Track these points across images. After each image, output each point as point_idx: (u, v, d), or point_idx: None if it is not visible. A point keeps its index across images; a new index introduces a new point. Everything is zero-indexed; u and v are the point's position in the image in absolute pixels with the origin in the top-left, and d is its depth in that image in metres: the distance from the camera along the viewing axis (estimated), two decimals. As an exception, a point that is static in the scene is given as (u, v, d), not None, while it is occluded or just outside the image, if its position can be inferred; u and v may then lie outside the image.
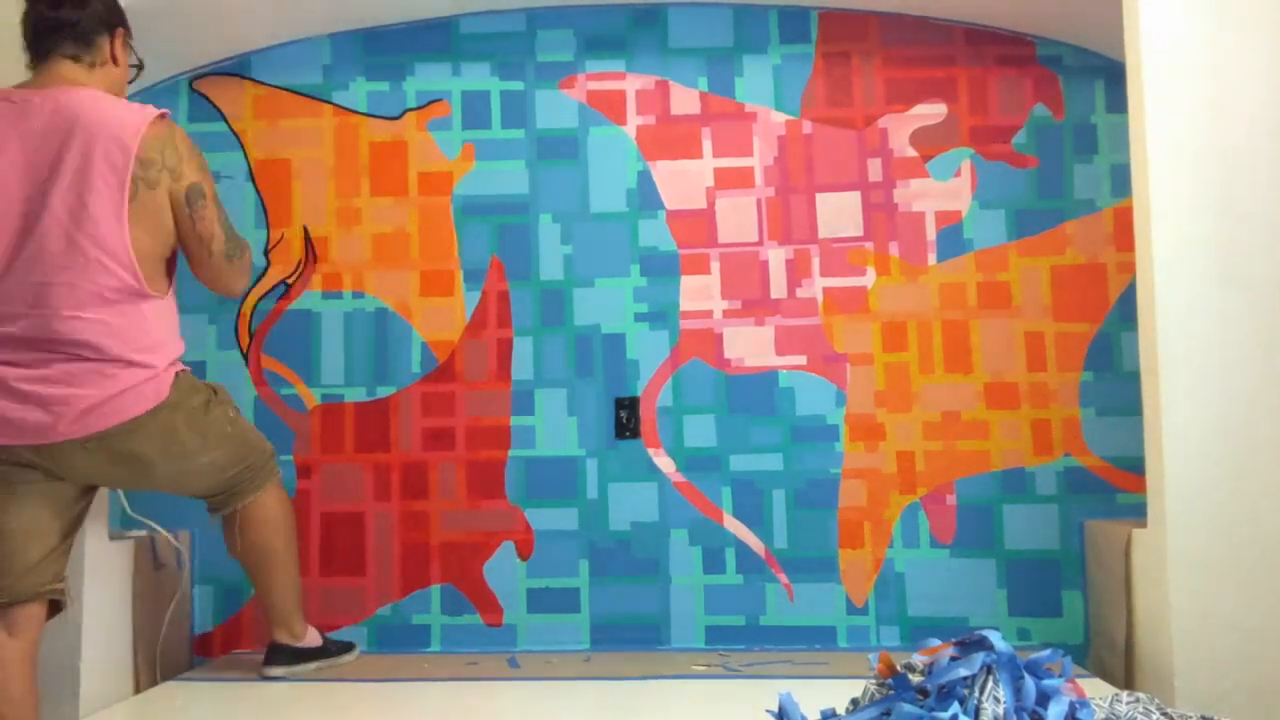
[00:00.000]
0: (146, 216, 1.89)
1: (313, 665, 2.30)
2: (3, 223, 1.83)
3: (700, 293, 2.66)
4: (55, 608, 1.93)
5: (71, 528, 1.96)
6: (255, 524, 2.18)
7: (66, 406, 1.84)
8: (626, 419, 2.63)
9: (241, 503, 2.16)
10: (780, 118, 2.70)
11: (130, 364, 1.89)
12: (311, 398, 2.68)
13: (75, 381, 1.84)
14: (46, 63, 1.95)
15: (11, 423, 1.82)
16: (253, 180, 2.73)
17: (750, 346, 2.65)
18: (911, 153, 2.67)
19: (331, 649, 2.37)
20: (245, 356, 2.68)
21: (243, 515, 2.17)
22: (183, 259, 2.04)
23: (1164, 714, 1.48)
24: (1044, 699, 1.39)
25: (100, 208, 1.84)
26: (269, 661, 2.26)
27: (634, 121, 2.71)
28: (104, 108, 1.88)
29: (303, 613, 2.31)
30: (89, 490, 1.99)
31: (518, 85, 2.73)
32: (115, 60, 2.01)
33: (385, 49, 2.75)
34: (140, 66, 2.11)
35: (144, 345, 1.91)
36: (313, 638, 2.33)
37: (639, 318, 2.67)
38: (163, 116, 1.94)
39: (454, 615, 2.62)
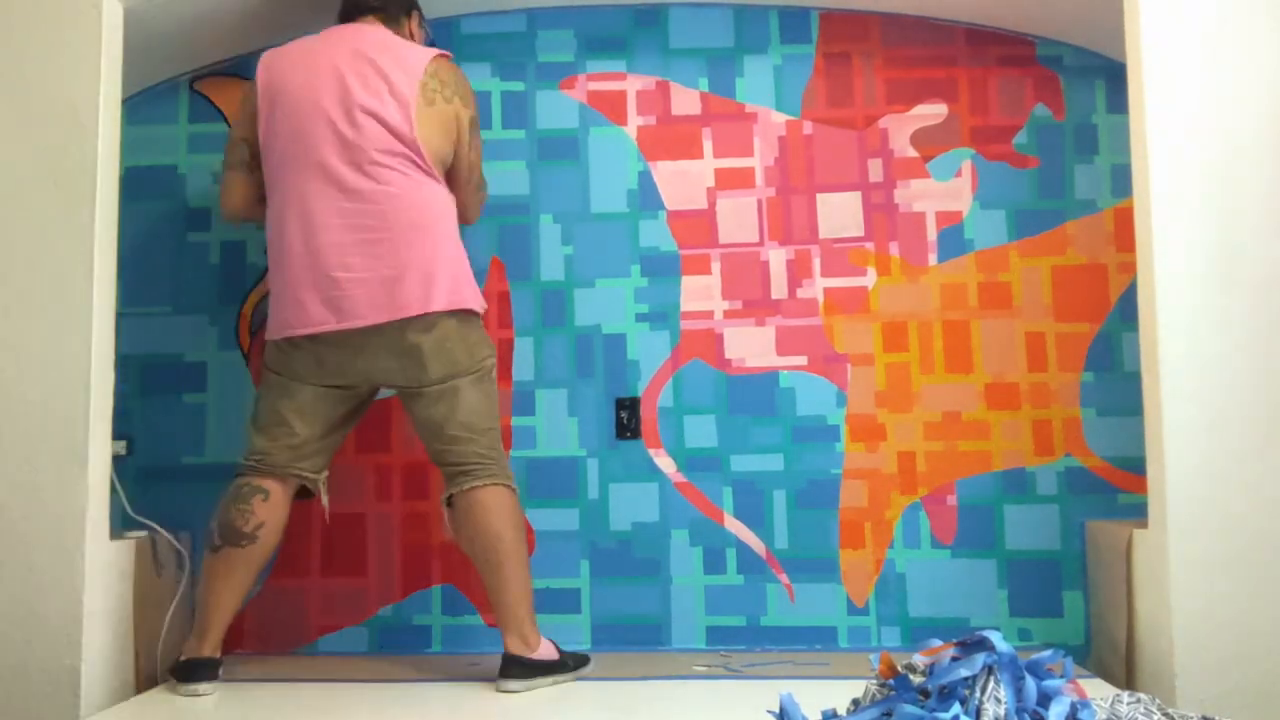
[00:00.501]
0: (433, 121, 2.19)
1: (549, 680, 2.15)
2: (321, 124, 2.13)
3: (701, 293, 2.66)
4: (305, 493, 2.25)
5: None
6: (483, 508, 2.14)
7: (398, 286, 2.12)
8: (627, 419, 2.63)
9: (474, 483, 2.15)
10: (781, 118, 2.70)
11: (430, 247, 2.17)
12: (312, 398, 2.67)
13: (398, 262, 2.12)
14: (354, 22, 2.29)
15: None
16: (253, 181, 2.72)
17: (751, 347, 2.65)
18: (912, 153, 2.67)
19: (570, 663, 2.23)
20: (246, 357, 2.68)
21: (471, 497, 2.15)
22: None
23: (1165, 714, 1.48)
24: (1045, 699, 1.39)
25: (402, 109, 2.15)
26: (504, 674, 2.13)
27: (634, 122, 2.71)
28: (396, 41, 2.25)
29: (535, 621, 2.20)
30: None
31: (518, 86, 2.73)
32: (413, 36, 2.37)
33: (386, 49, 2.75)
34: (433, 41, 2.46)
35: (434, 222, 2.19)
36: (547, 650, 2.20)
37: (640, 318, 2.67)
38: (443, 56, 2.25)
39: (455, 616, 2.62)
